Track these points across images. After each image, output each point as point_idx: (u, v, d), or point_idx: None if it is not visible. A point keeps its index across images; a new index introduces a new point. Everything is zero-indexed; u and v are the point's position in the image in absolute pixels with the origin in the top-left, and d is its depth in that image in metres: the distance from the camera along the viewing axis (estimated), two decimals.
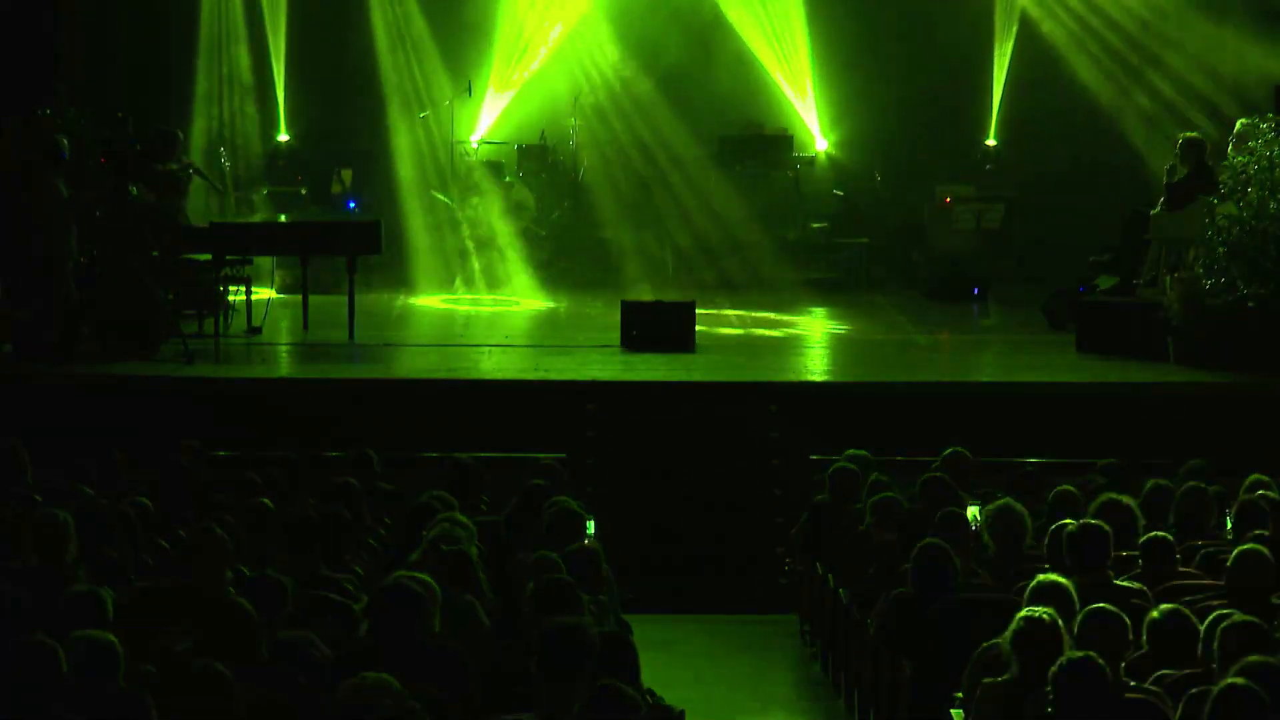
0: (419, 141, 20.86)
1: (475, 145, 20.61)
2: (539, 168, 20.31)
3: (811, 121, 20.93)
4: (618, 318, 15.49)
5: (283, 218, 18.41)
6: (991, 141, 20.73)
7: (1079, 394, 13.88)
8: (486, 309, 18.45)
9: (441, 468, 10.99)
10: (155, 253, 14.93)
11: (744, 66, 20.92)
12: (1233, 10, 19.22)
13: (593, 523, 10.56)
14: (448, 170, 20.44)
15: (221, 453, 11.89)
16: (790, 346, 16.48)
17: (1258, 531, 9.18)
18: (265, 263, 17.68)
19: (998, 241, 19.82)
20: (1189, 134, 16.67)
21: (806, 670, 11.09)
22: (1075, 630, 7.13)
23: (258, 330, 16.06)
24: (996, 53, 20.63)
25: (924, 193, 20.36)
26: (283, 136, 20.44)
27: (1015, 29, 20.59)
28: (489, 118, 20.74)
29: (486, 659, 7.34)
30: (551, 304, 18.62)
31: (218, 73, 20.39)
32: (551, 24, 20.61)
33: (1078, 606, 7.34)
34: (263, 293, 16.89)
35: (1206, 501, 9.63)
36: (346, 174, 19.91)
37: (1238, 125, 16.17)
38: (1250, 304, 14.09)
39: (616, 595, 9.20)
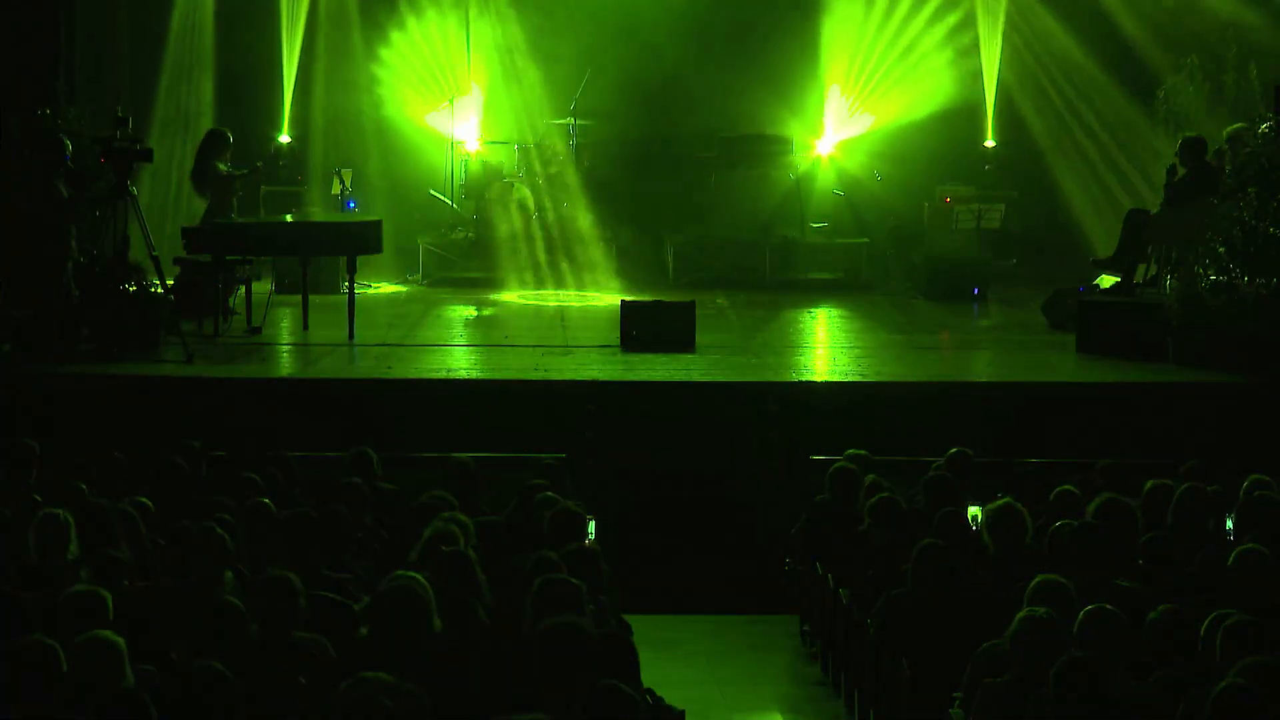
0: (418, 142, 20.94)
1: (475, 146, 20.62)
2: (539, 167, 20.31)
3: (814, 121, 20.94)
4: (618, 318, 15.49)
5: (288, 217, 18.43)
6: (990, 142, 20.73)
7: (1079, 394, 13.88)
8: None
9: (441, 468, 10.99)
10: (156, 253, 14.90)
11: (745, 67, 20.94)
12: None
13: (593, 523, 10.57)
14: (446, 169, 20.49)
15: (221, 453, 11.89)
16: (790, 346, 16.47)
17: (1258, 531, 9.20)
18: (264, 262, 17.69)
19: (998, 241, 19.83)
20: (1188, 134, 16.68)
21: (806, 670, 11.09)
22: (1075, 630, 7.14)
23: (258, 330, 16.07)
24: (984, 55, 20.65)
25: (924, 193, 20.39)
26: (284, 138, 20.42)
27: (1001, 28, 20.64)
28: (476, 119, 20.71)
29: (486, 659, 7.35)
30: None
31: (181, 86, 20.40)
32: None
33: (1078, 606, 7.34)
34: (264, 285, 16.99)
35: (1206, 501, 9.63)
36: (347, 174, 19.91)
37: (1229, 128, 16.21)
38: (1250, 304, 14.09)
39: (616, 595, 9.21)
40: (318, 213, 19.44)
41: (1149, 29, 19.96)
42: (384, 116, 20.84)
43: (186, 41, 20.45)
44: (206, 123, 19.91)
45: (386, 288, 19.56)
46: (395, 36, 20.83)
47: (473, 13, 20.94)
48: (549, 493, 10.02)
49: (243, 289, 16.37)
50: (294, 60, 20.47)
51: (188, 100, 20.33)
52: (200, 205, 17.29)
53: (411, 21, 20.85)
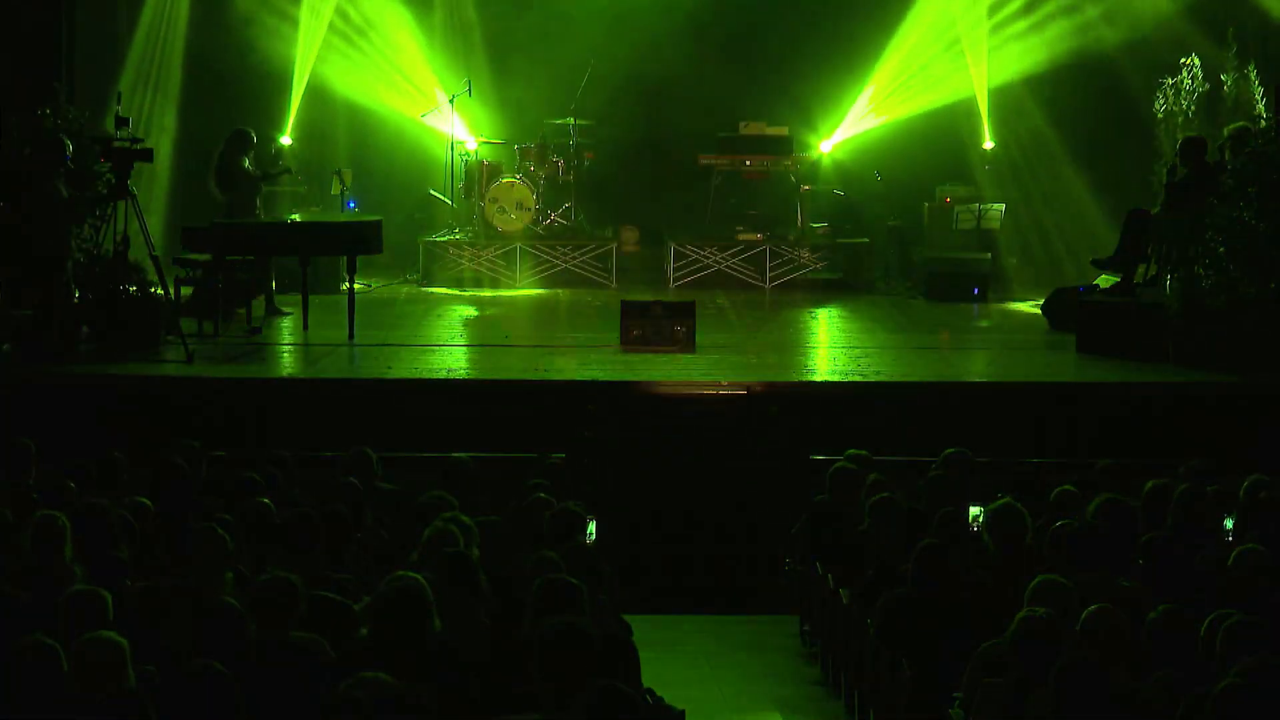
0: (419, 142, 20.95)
1: (474, 145, 20.62)
2: (539, 167, 20.31)
3: (815, 121, 20.95)
4: (617, 318, 15.48)
5: (296, 217, 18.43)
6: (989, 144, 20.75)
7: (1079, 394, 13.87)
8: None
9: (441, 468, 10.99)
10: (156, 252, 14.91)
11: (745, 66, 20.95)
12: None
13: (593, 523, 10.56)
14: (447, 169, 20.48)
15: (220, 453, 11.89)
16: (790, 346, 16.47)
17: (1258, 531, 9.20)
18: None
19: (998, 241, 19.85)
20: (1189, 134, 16.67)
21: (806, 670, 11.08)
22: (1075, 630, 7.13)
23: (258, 330, 16.07)
24: (970, 68, 20.70)
25: (924, 193, 20.40)
26: (285, 139, 20.40)
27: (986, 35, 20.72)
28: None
29: (486, 659, 7.34)
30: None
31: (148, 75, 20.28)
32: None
33: (1078, 606, 7.34)
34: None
35: (1206, 501, 9.63)
36: (347, 174, 19.91)
37: (1230, 128, 16.19)
38: (1250, 304, 14.09)
39: (616, 595, 9.20)
40: (317, 213, 19.44)
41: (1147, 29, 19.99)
42: (382, 115, 20.83)
43: (155, 37, 20.31)
44: (168, 120, 19.88)
45: (387, 288, 19.57)
46: (394, 34, 20.84)
47: (473, 10, 20.94)
48: (549, 493, 10.02)
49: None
50: (308, 63, 20.45)
51: (152, 97, 20.21)
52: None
53: (409, 19, 20.87)
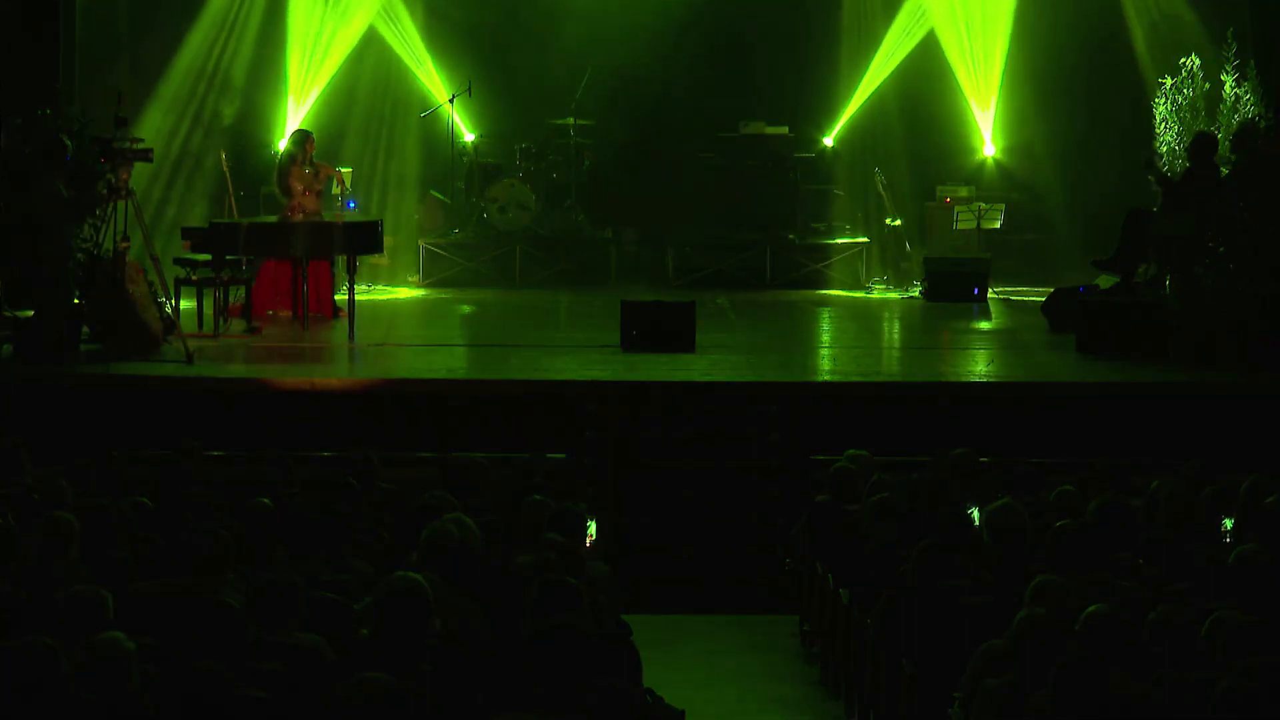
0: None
1: (476, 145, 20.62)
2: (539, 167, 20.31)
3: (814, 121, 20.95)
4: (617, 318, 15.48)
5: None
6: (990, 150, 20.77)
7: (1079, 394, 13.87)
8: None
9: (442, 468, 10.99)
10: (156, 253, 14.91)
11: (745, 65, 20.95)
12: None
13: (593, 523, 10.56)
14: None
15: (220, 452, 11.89)
16: (790, 346, 16.47)
17: (1258, 531, 9.20)
18: None
19: (998, 241, 19.85)
20: (1202, 129, 16.64)
21: (806, 670, 11.09)
22: (1075, 630, 7.13)
23: (258, 330, 16.07)
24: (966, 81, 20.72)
25: (924, 193, 20.40)
26: (284, 143, 20.37)
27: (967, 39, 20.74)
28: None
29: (486, 659, 7.34)
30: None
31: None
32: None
33: (1078, 606, 7.34)
34: None
35: (1205, 501, 9.63)
36: (347, 174, 19.90)
37: (1242, 121, 16.18)
38: (1250, 304, 14.09)
39: (616, 595, 9.20)
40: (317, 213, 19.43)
41: (1147, 29, 20.00)
42: (382, 116, 20.82)
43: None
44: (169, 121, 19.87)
45: (387, 289, 19.56)
46: (393, 33, 20.83)
47: (473, 9, 20.90)
48: (548, 493, 10.01)
49: (243, 290, 16.39)
50: (334, 63, 20.44)
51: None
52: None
53: (407, 18, 20.86)
